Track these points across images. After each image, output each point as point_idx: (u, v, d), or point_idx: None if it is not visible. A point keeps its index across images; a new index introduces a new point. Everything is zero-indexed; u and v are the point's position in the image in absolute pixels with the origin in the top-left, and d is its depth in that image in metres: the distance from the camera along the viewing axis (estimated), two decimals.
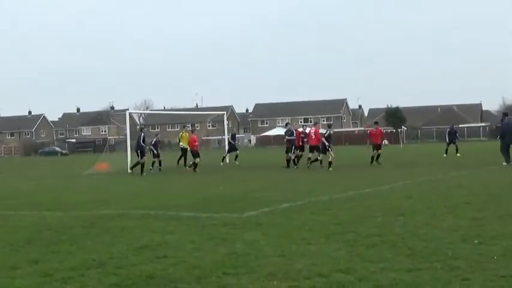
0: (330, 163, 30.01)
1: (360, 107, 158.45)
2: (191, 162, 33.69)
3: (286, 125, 38.55)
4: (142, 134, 33.86)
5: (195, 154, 33.65)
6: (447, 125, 53.10)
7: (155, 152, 35.12)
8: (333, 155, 30.33)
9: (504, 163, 28.46)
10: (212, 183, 24.29)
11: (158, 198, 18.91)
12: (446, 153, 41.16)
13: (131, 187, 24.24)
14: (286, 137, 34.68)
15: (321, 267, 8.32)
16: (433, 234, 10.47)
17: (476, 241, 9.68)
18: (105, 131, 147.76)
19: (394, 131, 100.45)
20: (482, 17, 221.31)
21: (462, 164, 30.79)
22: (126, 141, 39.14)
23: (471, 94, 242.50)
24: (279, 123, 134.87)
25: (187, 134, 36.08)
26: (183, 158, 36.50)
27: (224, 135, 49.33)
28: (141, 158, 32.75)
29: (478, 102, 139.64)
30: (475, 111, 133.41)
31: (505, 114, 31.86)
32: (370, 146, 34.49)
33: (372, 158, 33.77)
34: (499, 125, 38.39)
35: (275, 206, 15.42)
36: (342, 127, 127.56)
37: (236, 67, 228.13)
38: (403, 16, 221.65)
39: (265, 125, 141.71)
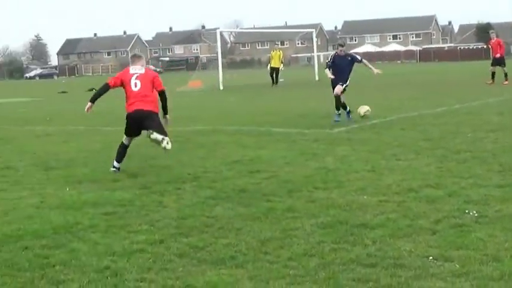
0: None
1: (449, 23, 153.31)
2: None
3: None
4: None
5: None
6: None
7: None
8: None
9: None
10: (303, 100, 24.31)
11: (250, 114, 19.16)
12: None
13: (224, 104, 24.58)
14: None
15: (411, 182, 8.41)
16: None
17: None
18: (197, 50, 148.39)
19: (485, 47, 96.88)
20: None
21: None
22: (217, 60, 39.20)
23: None
24: (367, 40, 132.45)
25: (279, 53, 36.37)
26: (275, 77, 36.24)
27: (313, 52, 48.79)
28: None
29: None
30: None
31: None
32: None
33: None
34: None
35: (364, 122, 15.45)
36: (431, 43, 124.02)
37: None
38: None
39: (354, 42, 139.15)
